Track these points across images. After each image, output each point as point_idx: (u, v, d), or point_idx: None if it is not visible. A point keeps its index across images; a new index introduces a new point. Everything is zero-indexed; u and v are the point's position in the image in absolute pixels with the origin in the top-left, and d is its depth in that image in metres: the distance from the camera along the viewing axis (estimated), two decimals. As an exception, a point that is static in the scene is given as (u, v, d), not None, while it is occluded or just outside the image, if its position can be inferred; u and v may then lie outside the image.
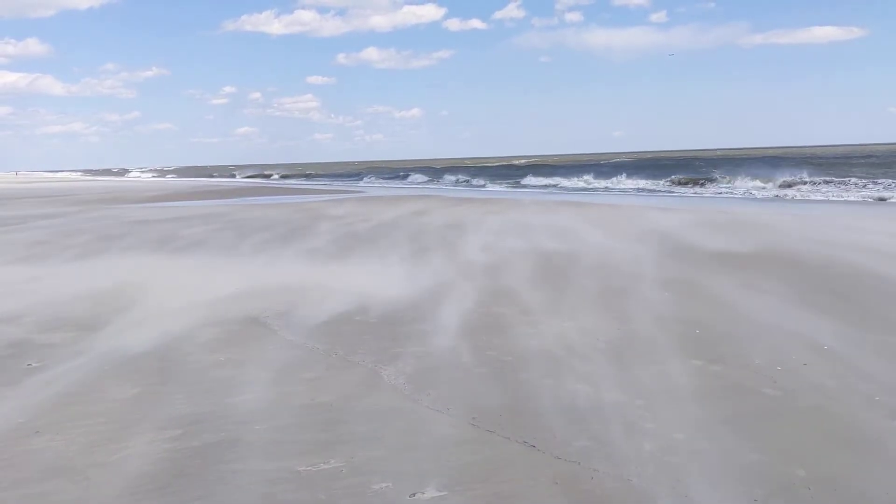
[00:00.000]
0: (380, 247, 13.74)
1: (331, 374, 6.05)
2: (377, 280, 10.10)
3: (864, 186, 28.90)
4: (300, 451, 4.49)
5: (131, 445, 4.61)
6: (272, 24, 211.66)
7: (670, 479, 4.04)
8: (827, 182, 31.32)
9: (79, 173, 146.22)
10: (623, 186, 38.91)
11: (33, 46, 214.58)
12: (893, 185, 28.44)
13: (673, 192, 34.21)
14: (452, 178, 53.84)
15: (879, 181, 29.93)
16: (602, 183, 41.27)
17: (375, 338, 7.12)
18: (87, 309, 8.57)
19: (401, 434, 4.75)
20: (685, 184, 36.67)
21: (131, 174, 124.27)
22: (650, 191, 35.84)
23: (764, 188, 31.58)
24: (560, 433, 4.70)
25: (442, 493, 3.96)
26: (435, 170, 70.79)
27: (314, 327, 7.55)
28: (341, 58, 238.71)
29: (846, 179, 31.71)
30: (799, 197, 28.32)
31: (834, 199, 26.78)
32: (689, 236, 14.59)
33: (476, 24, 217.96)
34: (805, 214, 20.69)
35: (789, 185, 31.14)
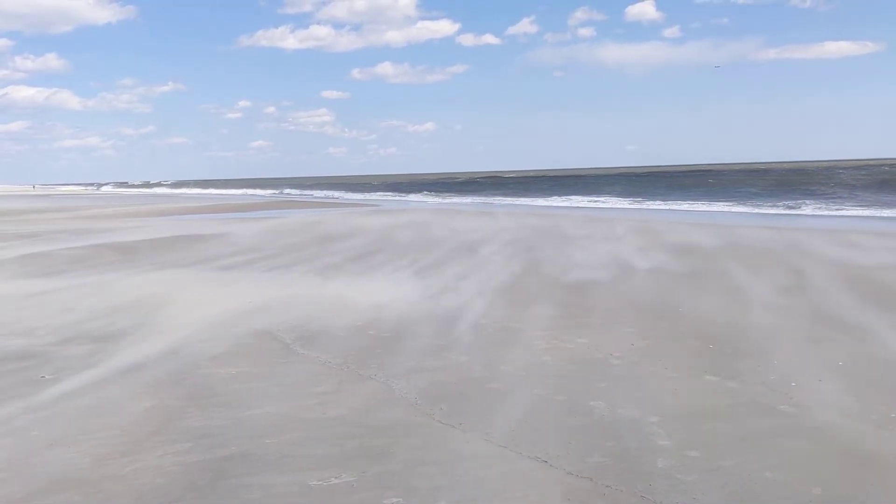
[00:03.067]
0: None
1: (343, 387, 6.04)
2: (393, 294, 10.11)
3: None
4: (312, 466, 4.47)
5: (143, 458, 4.62)
6: (287, 40, 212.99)
7: (685, 498, 4.00)
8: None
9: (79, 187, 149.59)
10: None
11: (52, 62, 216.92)
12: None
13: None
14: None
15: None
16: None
17: (389, 352, 7.11)
18: (103, 322, 8.62)
19: (413, 449, 4.73)
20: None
21: (105, 187, 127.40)
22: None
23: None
24: (573, 449, 4.66)
25: (454, 509, 3.93)
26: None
27: (327, 341, 7.55)
28: (356, 72, 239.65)
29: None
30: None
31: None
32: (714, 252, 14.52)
33: (490, 39, 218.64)
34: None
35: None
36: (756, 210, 30.28)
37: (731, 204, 33.77)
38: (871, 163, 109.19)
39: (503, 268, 12.63)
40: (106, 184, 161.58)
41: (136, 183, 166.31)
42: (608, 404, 5.49)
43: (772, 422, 5.11)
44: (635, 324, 8.19)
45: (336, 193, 65.74)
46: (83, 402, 5.78)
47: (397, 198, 54.99)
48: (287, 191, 73.61)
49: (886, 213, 26.28)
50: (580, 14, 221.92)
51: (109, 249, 16.78)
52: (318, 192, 70.25)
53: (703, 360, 6.69)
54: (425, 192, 58.92)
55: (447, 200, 48.38)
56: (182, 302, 9.79)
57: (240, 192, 76.78)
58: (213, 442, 4.88)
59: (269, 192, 73.74)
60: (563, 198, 44.85)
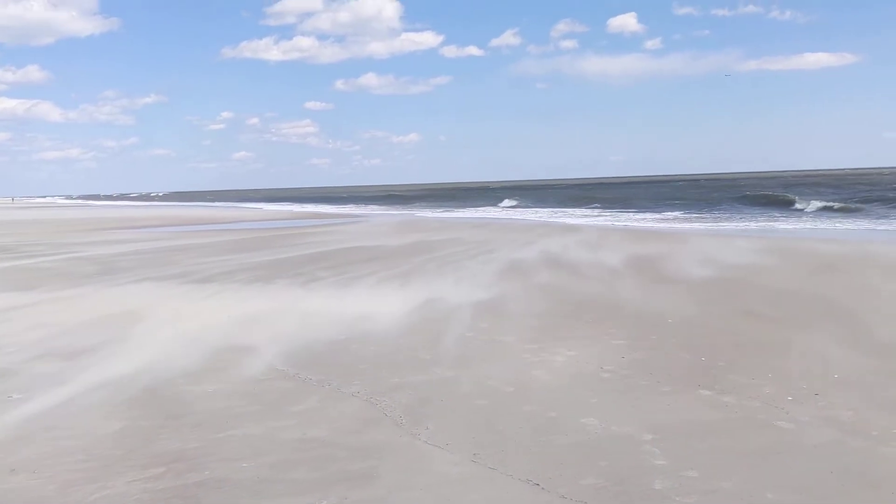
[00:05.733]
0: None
1: (324, 406, 5.79)
2: (375, 306, 9.85)
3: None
4: (290, 491, 4.22)
5: (111, 485, 4.34)
6: (271, 51, 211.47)
7: (685, 522, 3.79)
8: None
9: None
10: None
11: (33, 73, 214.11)
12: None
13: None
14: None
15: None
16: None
17: (372, 367, 6.86)
18: (75, 337, 8.30)
19: (398, 472, 4.49)
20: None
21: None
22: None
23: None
24: (566, 470, 4.44)
25: (441, 538, 3.70)
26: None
27: (308, 357, 7.29)
28: (340, 84, 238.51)
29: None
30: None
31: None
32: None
33: (473, 51, 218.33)
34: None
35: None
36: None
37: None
38: (838, 173, 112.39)
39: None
40: (68, 196, 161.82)
41: (108, 194, 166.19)
42: (601, 421, 5.28)
43: (770, 439, 4.92)
44: (625, 335, 8.00)
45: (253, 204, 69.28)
46: (50, 423, 5.48)
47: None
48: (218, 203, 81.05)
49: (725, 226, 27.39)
50: (563, 26, 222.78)
51: (87, 262, 16.43)
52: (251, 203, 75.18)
53: (695, 372, 6.50)
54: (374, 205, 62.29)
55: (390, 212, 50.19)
56: (158, 316, 9.50)
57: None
58: (187, 466, 4.61)
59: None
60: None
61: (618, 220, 32.01)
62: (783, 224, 26.44)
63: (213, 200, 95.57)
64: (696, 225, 27.86)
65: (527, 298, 10.45)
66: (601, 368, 6.68)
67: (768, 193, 46.03)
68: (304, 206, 64.52)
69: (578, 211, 41.67)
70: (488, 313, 9.35)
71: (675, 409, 5.56)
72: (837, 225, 25.53)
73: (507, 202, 54.79)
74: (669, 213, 35.82)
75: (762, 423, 5.23)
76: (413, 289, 11.29)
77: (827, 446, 4.79)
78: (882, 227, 23.63)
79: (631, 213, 37.32)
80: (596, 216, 36.30)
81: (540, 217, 37.18)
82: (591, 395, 5.90)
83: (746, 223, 27.73)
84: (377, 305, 9.82)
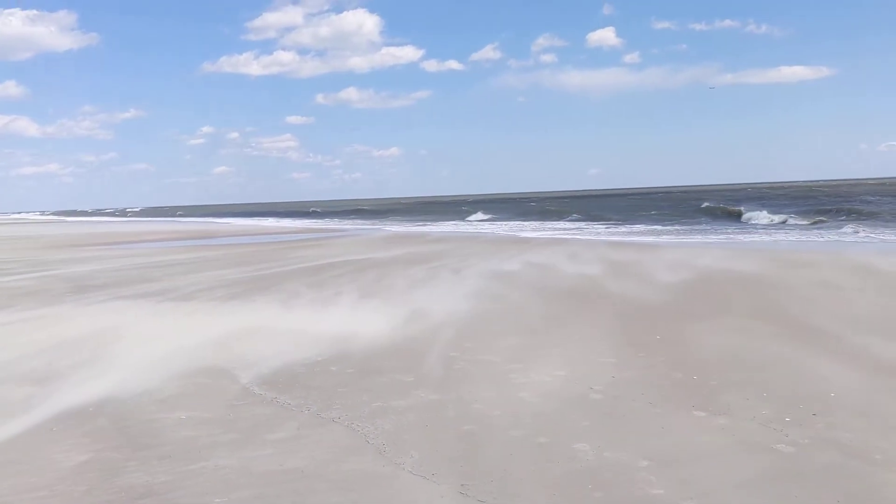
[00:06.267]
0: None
1: (303, 433, 5.51)
2: (355, 325, 9.57)
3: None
4: (266, 530, 3.95)
5: (72, 525, 4.05)
6: (251, 66, 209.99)
7: (687, 559, 3.56)
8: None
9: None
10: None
11: (10, 89, 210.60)
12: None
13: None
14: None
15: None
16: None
17: (353, 390, 6.59)
18: (43, 361, 7.96)
19: (380, 505, 4.22)
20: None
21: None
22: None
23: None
24: (558, 501, 4.20)
25: (428, 581, 3.44)
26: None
27: (286, 379, 7.00)
28: (320, 98, 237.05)
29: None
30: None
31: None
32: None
33: (454, 65, 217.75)
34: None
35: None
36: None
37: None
38: (812, 184, 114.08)
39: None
40: (42, 212, 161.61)
41: (83, 210, 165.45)
42: (593, 446, 5.04)
43: (771, 464, 4.70)
44: (613, 353, 7.77)
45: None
46: (12, 455, 5.17)
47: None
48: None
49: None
50: (542, 41, 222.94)
51: (61, 281, 16.01)
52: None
53: (688, 392, 6.29)
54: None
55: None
56: (132, 336, 9.16)
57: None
58: (155, 502, 4.32)
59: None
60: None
61: (581, 234, 31.45)
62: (759, 237, 26.26)
63: (184, 216, 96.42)
64: (668, 238, 27.49)
65: (510, 315, 10.22)
66: (591, 389, 6.45)
67: (728, 207, 46.15)
68: (280, 220, 64.27)
69: (559, 224, 41.35)
70: (472, 331, 9.10)
71: (670, 432, 5.33)
72: (804, 237, 25.47)
73: (480, 215, 54.08)
74: (643, 227, 35.27)
75: (761, 446, 5.01)
76: (394, 306, 11.02)
77: (829, 471, 4.58)
78: (849, 240, 23.61)
79: (606, 227, 36.93)
80: (566, 229, 35.67)
81: (510, 231, 36.61)
82: (581, 418, 5.67)
83: (717, 236, 27.53)
84: (357, 324, 9.54)
